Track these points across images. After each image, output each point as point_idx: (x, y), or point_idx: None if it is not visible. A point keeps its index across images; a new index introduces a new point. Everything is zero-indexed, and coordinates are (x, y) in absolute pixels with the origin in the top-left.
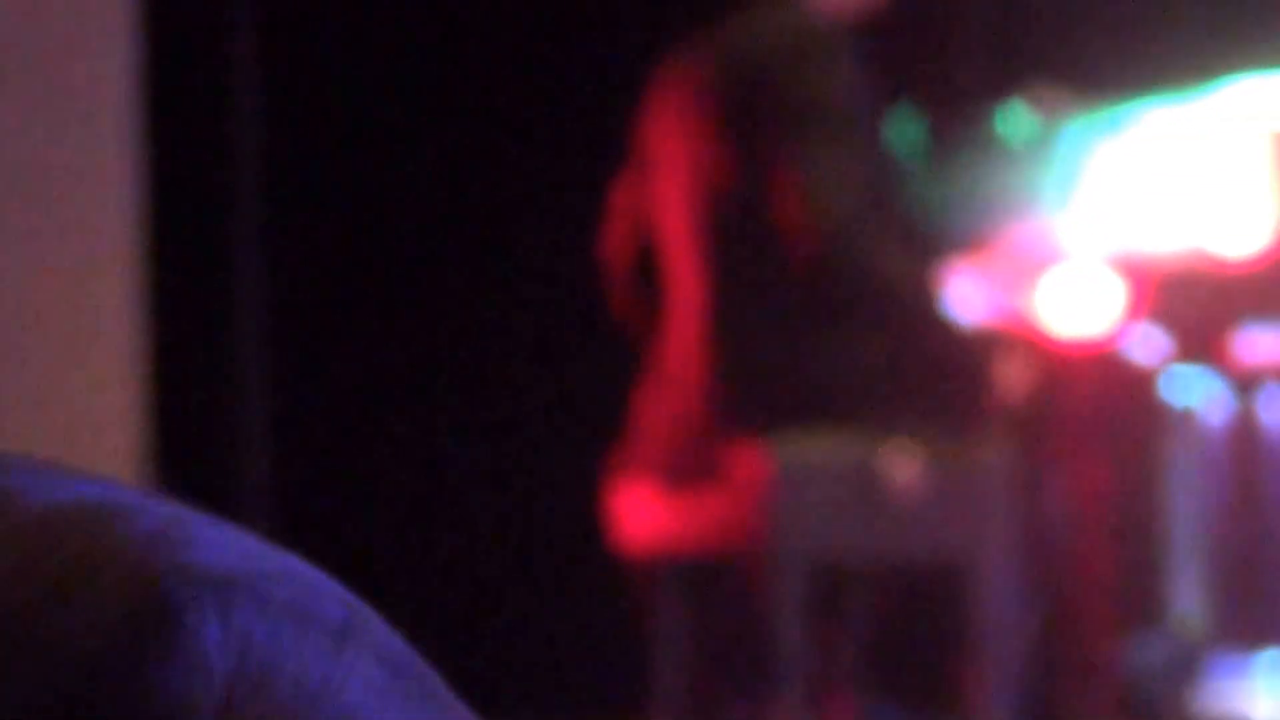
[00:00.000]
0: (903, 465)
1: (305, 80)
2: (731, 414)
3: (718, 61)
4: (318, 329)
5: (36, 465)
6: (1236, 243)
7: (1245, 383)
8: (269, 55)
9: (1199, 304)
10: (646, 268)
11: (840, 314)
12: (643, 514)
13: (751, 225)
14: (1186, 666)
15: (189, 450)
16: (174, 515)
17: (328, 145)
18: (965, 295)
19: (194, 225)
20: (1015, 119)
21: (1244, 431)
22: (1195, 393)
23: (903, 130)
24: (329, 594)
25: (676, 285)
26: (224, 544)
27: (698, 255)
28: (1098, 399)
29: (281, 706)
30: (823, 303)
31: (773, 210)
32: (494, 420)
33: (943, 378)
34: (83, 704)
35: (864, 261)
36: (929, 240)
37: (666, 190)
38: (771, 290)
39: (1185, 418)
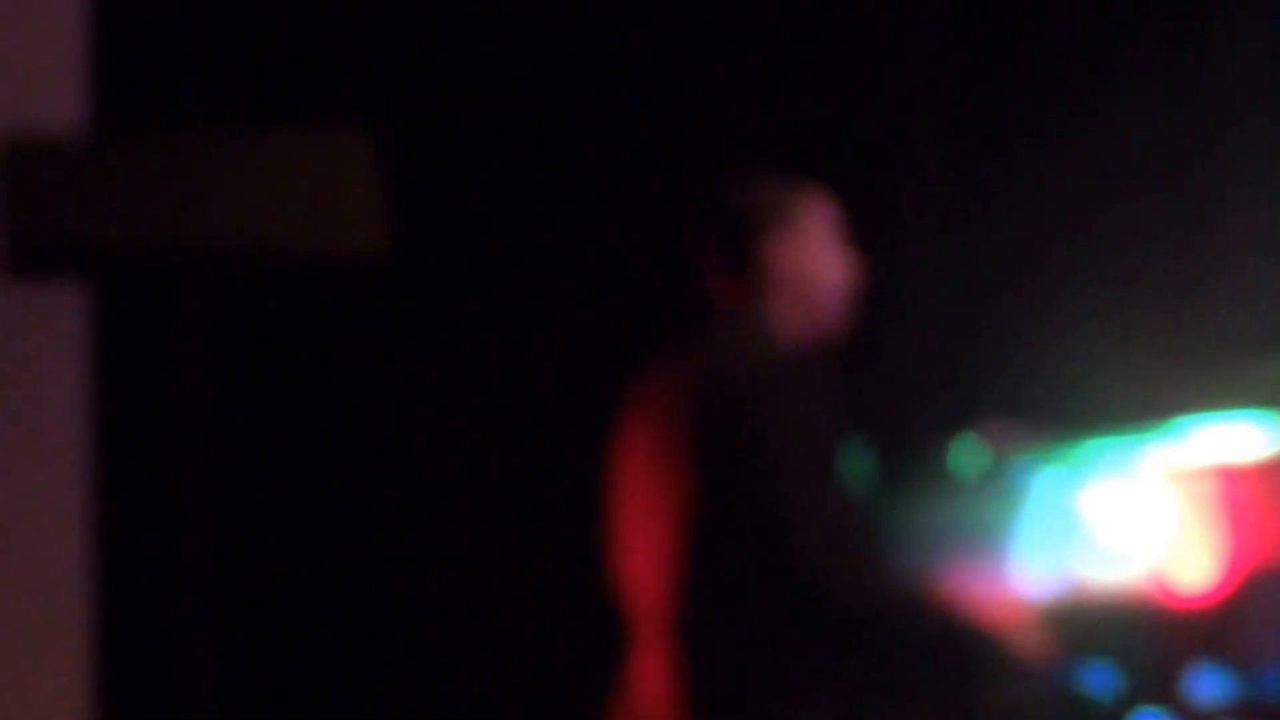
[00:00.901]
0: None
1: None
2: None
3: (684, 390)
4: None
5: None
6: (1187, 582)
7: None
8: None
9: (1150, 643)
10: (613, 594)
11: (803, 639)
12: None
13: (716, 550)
14: None
15: None
16: None
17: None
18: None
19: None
20: (967, 453)
21: None
22: None
23: (855, 461)
24: None
25: (643, 611)
26: None
27: (662, 584)
28: None
29: None
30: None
31: (736, 534)
32: None
33: (897, 706)
34: None
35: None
36: (883, 570)
37: (633, 522)
38: (737, 615)
39: None
